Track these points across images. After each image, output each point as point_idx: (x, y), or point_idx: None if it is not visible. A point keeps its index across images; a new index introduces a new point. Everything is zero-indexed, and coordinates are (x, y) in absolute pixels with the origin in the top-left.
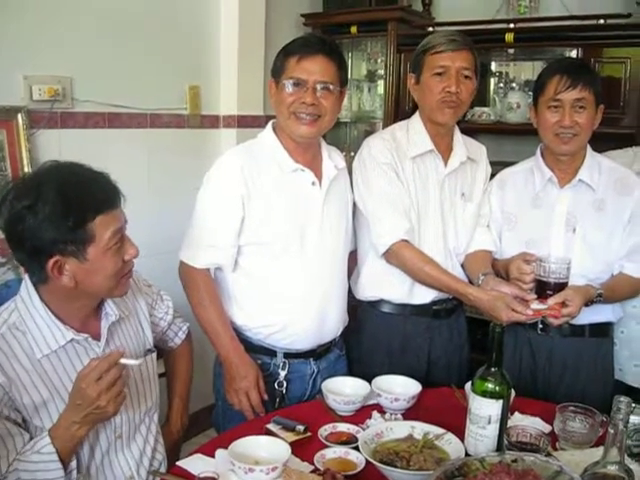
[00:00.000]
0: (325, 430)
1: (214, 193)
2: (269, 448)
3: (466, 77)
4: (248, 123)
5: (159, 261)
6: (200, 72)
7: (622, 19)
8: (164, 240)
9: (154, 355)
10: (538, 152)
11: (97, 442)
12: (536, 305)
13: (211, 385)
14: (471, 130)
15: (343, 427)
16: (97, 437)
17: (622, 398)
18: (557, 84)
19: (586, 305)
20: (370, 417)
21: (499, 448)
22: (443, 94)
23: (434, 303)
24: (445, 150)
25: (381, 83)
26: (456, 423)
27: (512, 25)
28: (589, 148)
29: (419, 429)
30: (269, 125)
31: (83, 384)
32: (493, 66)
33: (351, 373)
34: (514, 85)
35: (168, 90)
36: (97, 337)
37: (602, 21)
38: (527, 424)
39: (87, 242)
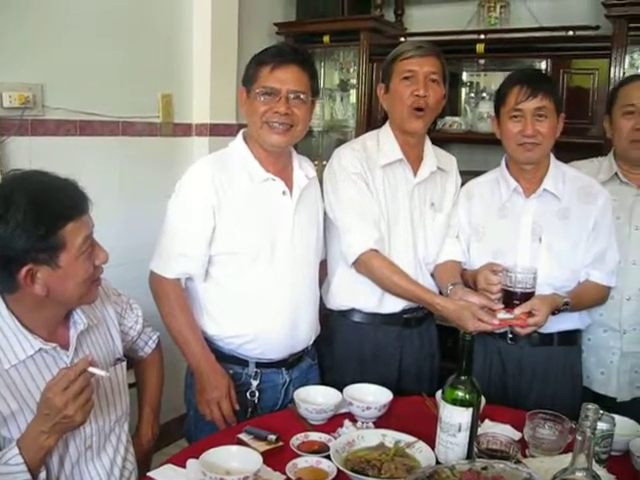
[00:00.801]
0: (297, 439)
1: (185, 203)
2: (240, 458)
3: (434, 81)
4: (221, 131)
5: (130, 269)
6: (173, 80)
7: (591, 31)
8: (136, 248)
9: (124, 364)
10: (503, 163)
11: (67, 452)
12: (503, 315)
13: (183, 395)
14: (442, 139)
15: (315, 436)
16: (67, 447)
17: (590, 405)
18: (518, 94)
19: (553, 314)
20: (342, 426)
21: (469, 456)
22: (412, 98)
23: (404, 312)
24: (415, 160)
25: (354, 92)
26: (427, 431)
27: (483, 36)
28: (553, 157)
29: (390, 437)
30: (240, 134)
31: (50, 393)
32: (464, 76)
33: (323, 382)
34: (485, 95)
35: (140, 98)
36: (66, 346)
37: (571, 33)
38: (497, 431)
39: (59, 249)
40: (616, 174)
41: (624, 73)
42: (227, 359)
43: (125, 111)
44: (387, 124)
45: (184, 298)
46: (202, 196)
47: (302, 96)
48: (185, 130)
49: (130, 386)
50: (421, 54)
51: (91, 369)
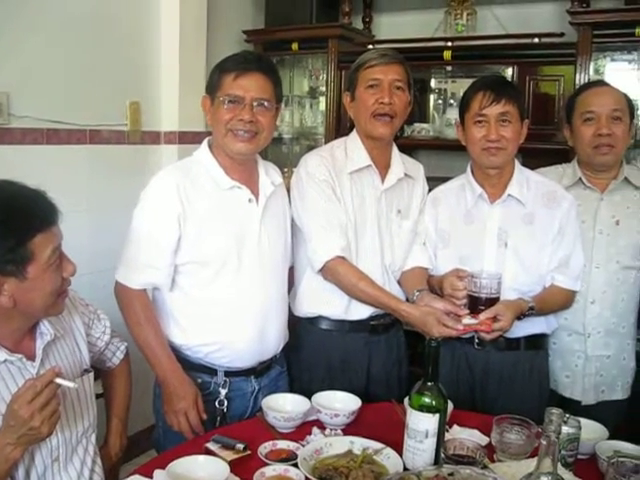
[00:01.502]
0: (265, 448)
1: (150, 213)
2: (207, 467)
3: (398, 88)
4: (189, 139)
5: (99, 278)
6: (141, 88)
7: (556, 38)
8: (104, 257)
9: (91, 375)
10: (468, 169)
11: (33, 464)
12: (468, 320)
13: (152, 405)
14: (411, 146)
15: (283, 444)
16: (33, 459)
17: (554, 410)
18: (481, 99)
19: (518, 319)
20: (310, 433)
21: (436, 462)
22: (376, 105)
23: (372, 319)
24: (383, 167)
25: (323, 99)
26: (396, 438)
27: (450, 43)
28: (517, 163)
29: (358, 444)
30: (204, 142)
31: (16, 405)
32: (432, 83)
33: (292, 390)
34: (452, 102)
35: (108, 106)
36: (32, 357)
37: (537, 40)
38: (465, 437)
39: (27, 261)
40: (580, 179)
41: (589, 79)
42: (195, 368)
43: (92, 119)
44: (354, 132)
45: (150, 308)
46: (167, 205)
47: (266, 103)
48: (154, 138)
49: (98, 396)
50: (385, 62)
51: (58, 380)
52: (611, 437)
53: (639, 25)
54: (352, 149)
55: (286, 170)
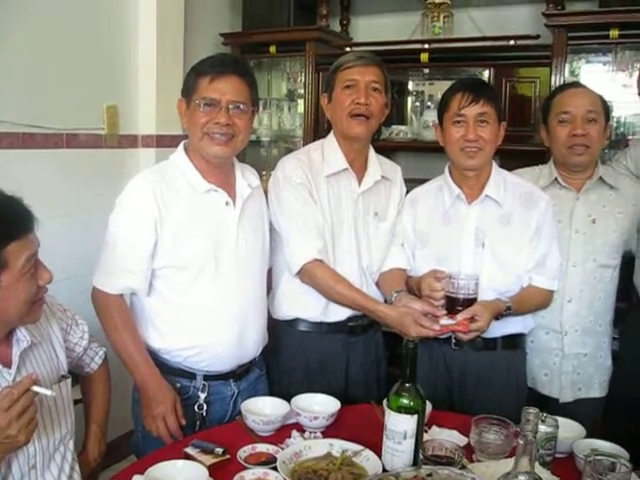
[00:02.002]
0: (244, 451)
1: (126, 217)
2: (186, 472)
3: (375, 89)
4: (167, 143)
5: (77, 284)
6: (118, 91)
7: (531, 40)
8: (82, 262)
9: (69, 381)
10: (446, 170)
11: (10, 473)
12: (445, 320)
13: (130, 410)
14: (389, 148)
15: (262, 447)
16: (9, 468)
17: (531, 409)
18: (460, 100)
19: (496, 319)
20: (290, 436)
21: (415, 463)
22: (353, 106)
23: (349, 320)
24: (359, 169)
25: (301, 102)
26: (375, 439)
27: (427, 45)
28: (495, 164)
29: (337, 447)
30: (181, 146)
31: None
32: (410, 85)
33: (272, 393)
34: (430, 104)
35: (85, 110)
36: (8, 364)
37: (512, 42)
38: (444, 437)
39: (0, 269)
40: (556, 179)
41: (564, 81)
42: (174, 372)
43: (69, 123)
44: (331, 133)
45: (128, 313)
46: (143, 210)
47: (242, 106)
48: (131, 142)
49: (76, 402)
50: (362, 64)
51: (35, 388)
52: (589, 435)
53: (613, 27)
54: (329, 152)
55: (264, 173)
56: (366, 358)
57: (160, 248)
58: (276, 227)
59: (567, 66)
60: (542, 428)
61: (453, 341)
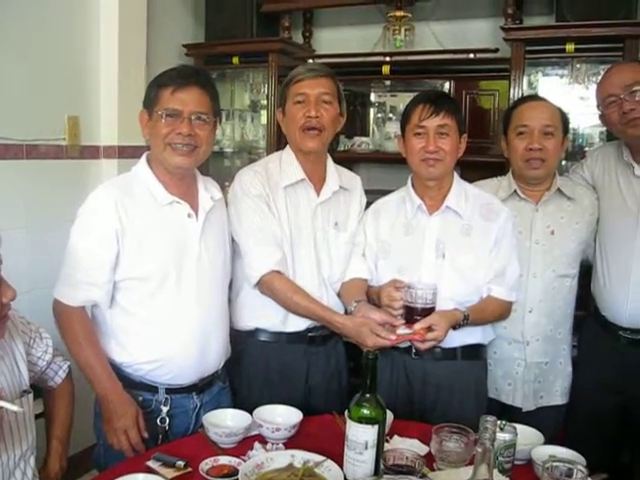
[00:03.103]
0: (206, 464)
1: (87, 229)
2: None
3: (326, 102)
4: (130, 154)
5: (39, 296)
6: (79, 102)
7: (490, 54)
8: (43, 275)
9: (30, 396)
10: (409, 182)
11: None
12: (402, 330)
13: (92, 424)
14: (351, 159)
15: (225, 460)
16: None
17: (488, 417)
18: (421, 112)
19: (454, 328)
20: (252, 448)
21: (376, 472)
22: (304, 119)
23: (309, 330)
24: (318, 180)
25: (264, 113)
26: (337, 450)
27: (388, 58)
28: (456, 176)
29: (299, 458)
30: (143, 157)
31: None
32: (372, 97)
33: (235, 403)
34: (392, 116)
35: (46, 120)
36: None
37: (472, 55)
38: (405, 447)
39: None
40: (515, 191)
41: (522, 94)
42: (136, 386)
43: (30, 134)
44: (289, 146)
45: (89, 326)
46: (104, 222)
47: (204, 117)
48: (93, 153)
49: (37, 416)
50: (312, 76)
51: (1, 402)
52: (551, 442)
53: (569, 42)
54: (286, 163)
55: (227, 184)
56: (327, 368)
57: (122, 260)
58: (235, 239)
59: (525, 79)
60: (501, 436)
61: (413, 351)
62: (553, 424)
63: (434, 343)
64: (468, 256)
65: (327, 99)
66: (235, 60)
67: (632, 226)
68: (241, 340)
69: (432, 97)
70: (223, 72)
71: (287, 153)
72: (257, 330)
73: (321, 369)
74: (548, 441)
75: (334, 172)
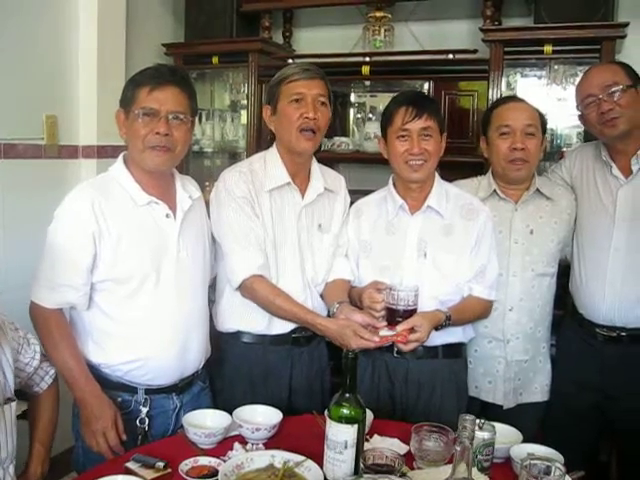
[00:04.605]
0: (186, 465)
1: (64, 231)
2: None
3: (322, 104)
4: (109, 153)
5: (18, 297)
6: (58, 101)
7: (469, 54)
8: (20, 275)
9: (14, 404)
10: (390, 182)
11: None
12: (384, 332)
13: (71, 426)
14: (331, 159)
15: (204, 460)
16: None
17: (467, 416)
18: (404, 115)
19: (436, 329)
20: (232, 449)
21: (356, 472)
22: (301, 120)
23: (293, 332)
24: (302, 182)
25: (244, 113)
26: (318, 450)
27: (368, 58)
28: (437, 176)
29: (279, 458)
30: (120, 157)
31: None
32: (352, 97)
33: (216, 404)
34: (371, 116)
35: (23, 120)
36: None
37: (451, 56)
38: (385, 446)
39: None
40: (495, 191)
41: (501, 95)
42: (115, 387)
43: (7, 133)
44: (274, 146)
45: (66, 327)
46: (82, 223)
47: (181, 116)
48: (71, 152)
49: (19, 417)
50: (307, 77)
51: None
52: (531, 439)
53: (547, 43)
54: (271, 165)
55: (207, 184)
56: (310, 369)
57: (99, 262)
58: (217, 240)
59: (504, 80)
60: (480, 434)
61: (395, 349)
62: (532, 421)
63: (417, 345)
64: (449, 255)
65: (323, 101)
66: (215, 60)
67: (608, 225)
68: (223, 341)
69: (414, 99)
70: (203, 72)
71: (271, 153)
72: (240, 332)
73: (305, 370)
74: (527, 439)
75: (319, 173)
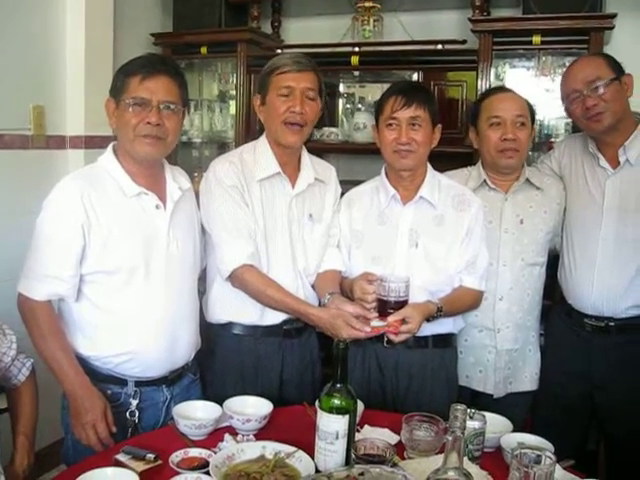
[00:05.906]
0: (176, 456)
1: (52, 222)
2: None
3: (311, 98)
4: (97, 144)
5: (3, 289)
6: (45, 91)
7: (458, 45)
8: (7, 267)
9: None
10: (383, 172)
11: None
12: (376, 322)
13: (60, 418)
14: (320, 150)
15: (195, 452)
16: None
17: (458, 406)
18: (393, 103)
19: (427, 320)
20: (222, 440)
21: (347, 462)
22: (288, 114)
23: (284, 323)
24: (292, 172)
25: (232, 103)
26: (309, 440)
27: (357, 48)
28: (430, 167)
29: (270, 449)
30: (109, 148)
31: None
32: (341, 87)
33: (206, 396)
34: (360, 106)
35: (10, 110)
36: None
37: (440, 46)
38: (376, 436)
39: None
40: (485, 181)
41: (490, 85)
42: (105, 379)
43: None
44: (264, 136)
45: (55, 320)
46: (70, 214)
47: (172, 106)
48: (59, 143)
49: (2, 411)
50: (298, 69)
51: None
52: (521, 428)
53: (535, 34)
54: (261, 155)
55: (196, 174)
56: (301, 360)
57: (89, 253)
58: (207, 230)
59: (493, 70)
60: (471, 424)
61: (385, 339)
62: (521, 410)
63: (408, 336)
64: (440, 246)
65: (312, 95)
66: (203, 50)
67: (597, 216)
68: (214, 333)
69: (405, 89)
70: (191, 62)
71: (262, 143)
72: (231, 324)
73: (296, 361)
74: (516, 428)
75: (309, 163)
